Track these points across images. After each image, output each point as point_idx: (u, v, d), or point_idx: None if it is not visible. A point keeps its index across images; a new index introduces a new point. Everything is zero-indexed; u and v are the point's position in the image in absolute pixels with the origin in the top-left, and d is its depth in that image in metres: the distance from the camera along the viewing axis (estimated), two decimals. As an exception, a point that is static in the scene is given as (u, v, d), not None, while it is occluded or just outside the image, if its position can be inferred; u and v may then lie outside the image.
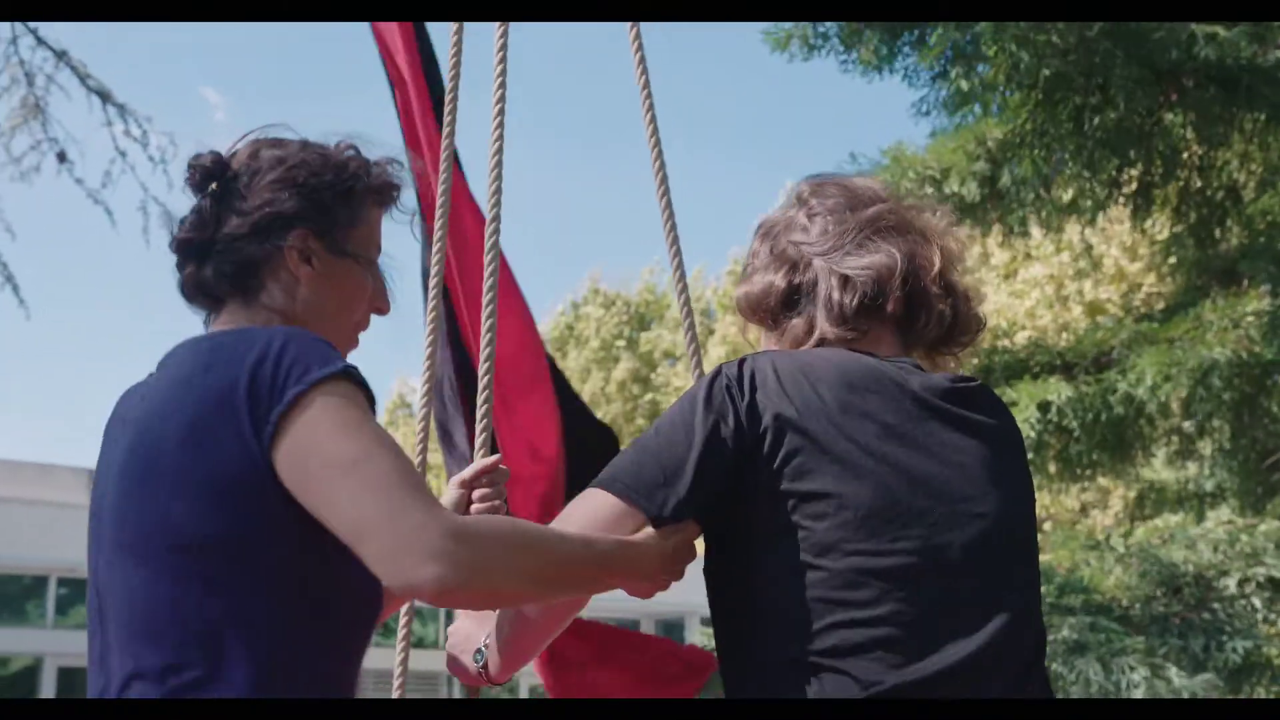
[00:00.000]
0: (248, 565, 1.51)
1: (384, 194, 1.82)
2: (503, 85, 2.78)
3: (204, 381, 1.54)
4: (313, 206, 1.73)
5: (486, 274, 2.71)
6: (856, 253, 1.85)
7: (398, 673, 2.80)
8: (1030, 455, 5.69)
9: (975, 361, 6.31)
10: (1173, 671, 5.02)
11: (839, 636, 1.61)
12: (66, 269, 40.66)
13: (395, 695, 2.75)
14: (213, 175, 1.72)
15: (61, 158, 8.58)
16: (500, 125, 2.78)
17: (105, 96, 8.61)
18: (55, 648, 19.05)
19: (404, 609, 2.79)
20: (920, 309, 1.85)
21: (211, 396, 1.52)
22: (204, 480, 1.50)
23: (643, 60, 2.99)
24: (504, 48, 2.84)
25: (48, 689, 19.16)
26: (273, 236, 1.71)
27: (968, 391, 1.80)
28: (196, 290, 1.74)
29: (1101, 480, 6.81)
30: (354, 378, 1.55)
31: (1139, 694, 4.99)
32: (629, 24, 3.03)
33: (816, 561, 1.64)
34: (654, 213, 3.00)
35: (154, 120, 8.42)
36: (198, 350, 1.60)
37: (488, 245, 2.76)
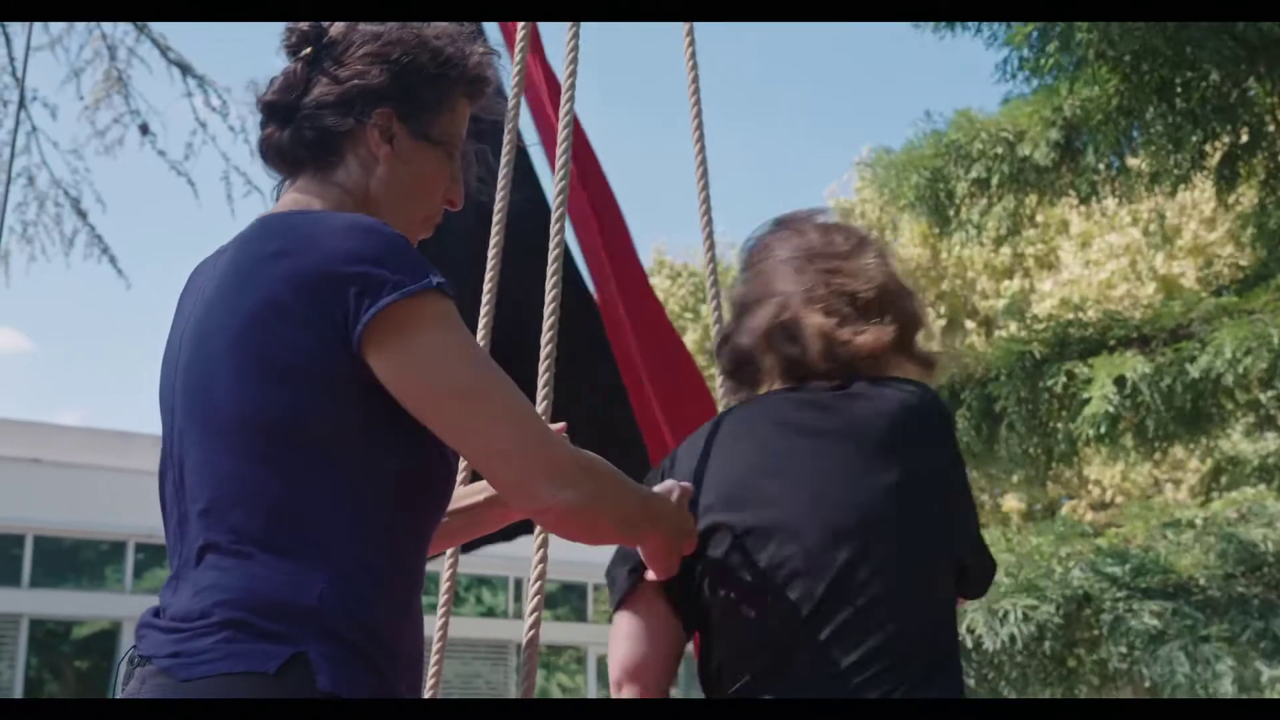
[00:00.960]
0: (317, 447, 1.53)
1: (476, 86, 1.81)
2: (572, 87, 2.79)
3: (279, 264, 1.54)
4: (401, 86, 1.72)
5: (552, 243, 2.67)
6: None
7: (437, 638, 2.77)
8: (1104, 430, 5.64)
9: (1049, 337, 6.24)
10: (1259, 663, 4.96)
11: (725, 648, 1.84)
12: (152, 240, 41.25)
13: (434, 662, 2.70)
14: (308, 41, 1.72)
15: (144, 130, 8.69)
16: (570, 114, 2.76)
17: (185, 69, 8.71)
18: (133, 611, 19.35)
19: (445, 579, 2.72)
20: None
21: (288, 280, 1.52)
22: (277, 362, 1.52)
23: (692, 44, 3.00)
24: (575, 47, 2.81)
25: (126, 648, 19.53)
26: (357, 110, 1.70)
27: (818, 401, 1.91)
28: (275, 153, 1.75)
29: (1177, 453, 6.71)
30: (449, 294, 1.56)
31: (1226, 684, 4.93)
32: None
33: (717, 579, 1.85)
34: (718, 183, 3.02)
35: (233, 91, 8.50)
36: (271, 230, 1.60)
37: (554, 217, 2.71)
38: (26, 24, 8.25)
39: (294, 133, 1.71)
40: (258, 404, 1.52)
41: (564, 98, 2.76)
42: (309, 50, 1.71)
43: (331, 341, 1.51)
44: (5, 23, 8.26)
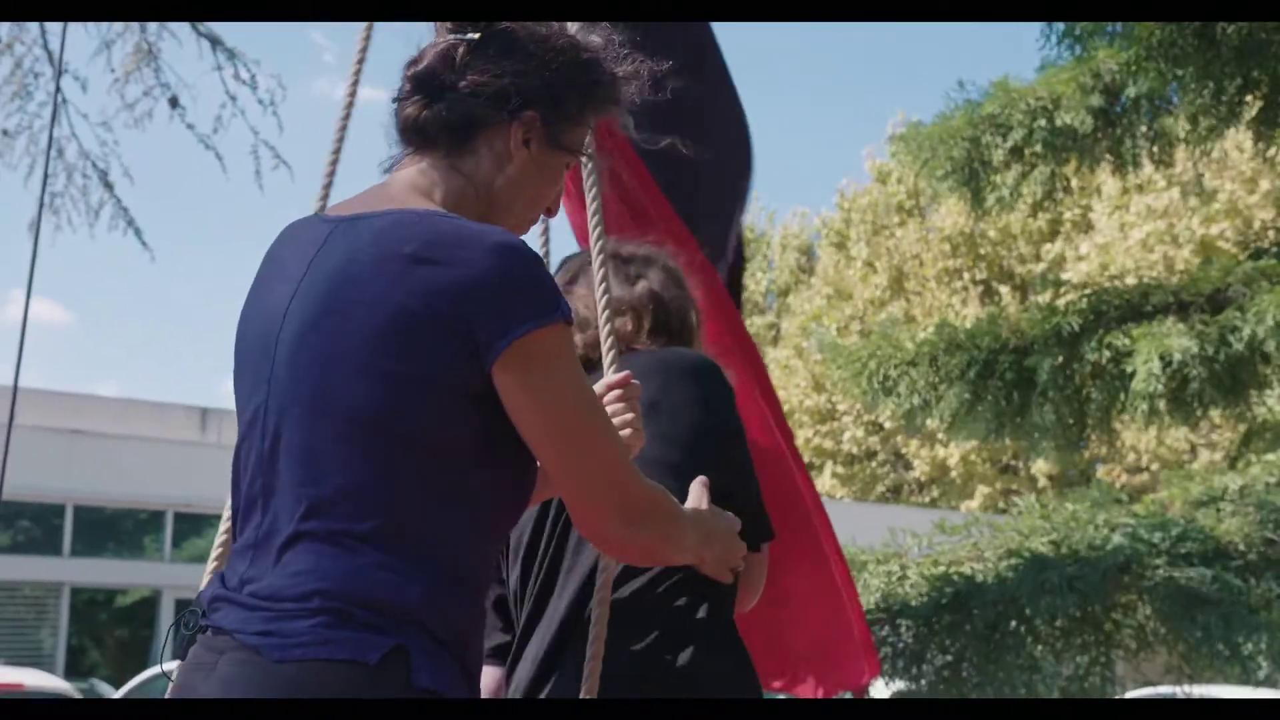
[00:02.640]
0: (435, 457, 1.56)
1: (614, 107, 1.83)
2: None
3: (421, 271, 1.54)
4: (553, 94, 1.73)
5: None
6: None
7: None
8: (1146, 403, 5.60)
9: (1085, 306, 6.19)
10: None
11: None
12: (181, 213, 41.45)
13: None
14: (477, 26, 1.72)
15: (174, 103, 8.67)
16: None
17: (215, 41, 8.70)
18: (172, 580, 19.59)
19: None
20: None
21: (431, 290, 1.53)
22: (408, 370, 1.53)
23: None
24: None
25: (165, 619, 19.78)
26: (510, 107, 1.71)
27: None
28: (411, 126, 1.73)
29: (1213, 418, 6.66)
30: (572, 322, 1.63)
31: (1262, 647, 4.92)
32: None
33: None
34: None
35: (262, 64, 8.49)
36: (414, 232, 1.58)
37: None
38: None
39: (440, 111, 1.70)
40: (381, 406, 1.54)
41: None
42: (476, 35, 1.70)
43: (465, 357, 1.54)
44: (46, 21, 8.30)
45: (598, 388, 2.04)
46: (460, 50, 1.70)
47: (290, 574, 1.52)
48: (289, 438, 1.57)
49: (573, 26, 1.80)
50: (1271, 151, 6.87)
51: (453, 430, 1.56)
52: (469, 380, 1.55)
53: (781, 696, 3.96)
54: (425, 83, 1.71)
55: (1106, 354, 5.79)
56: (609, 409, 1.97)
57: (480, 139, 1.71)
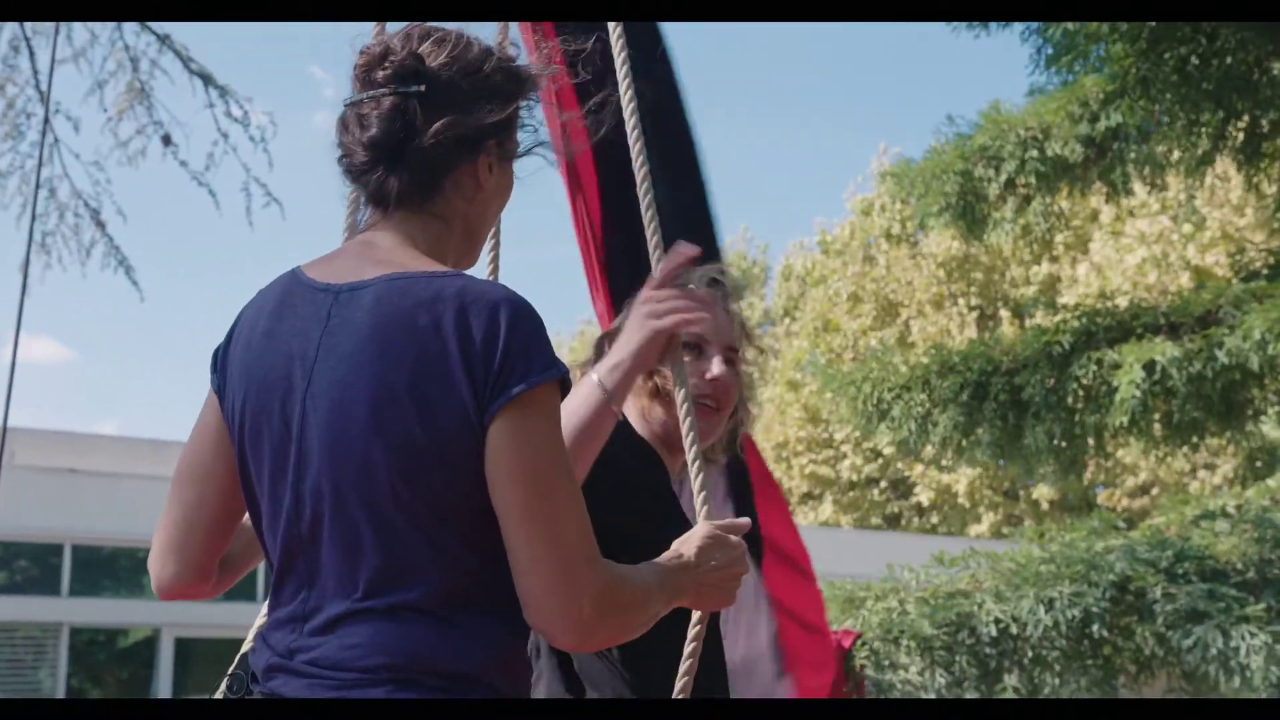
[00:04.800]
0: (466, 523, 1.58)
1: (534, 92, 1.85)
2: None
3: (428, 340, 1.56)
4: (506, 118, 1.75)
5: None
6: None
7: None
8: (1135, 417, 5.60)
9: (1076, 326, 6.20)
10: None
11: None
12: (174, 251, 41.52)
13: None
14: (418, 74, 1.69)
15: (166, 141, 8.72)
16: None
17: (207, 79, 8.75)
18: (172, 619, 19.52)
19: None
20: None
21: (441, 358, 1.55)
22: (431, 442, 1.55)
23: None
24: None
25: (165, 659, 19.72)
26: (475, 146, 1.72)
27: None
28: (380, 194, 1.72)
29: (1211, 441, 6.65)
30: (567, 386, 1.62)
31: (1259, 660, 4.90)
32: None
33: None
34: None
35: (254, 100, 8.54)
36: (417, 296, 1.59)
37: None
38: (51, 37, 8.31)
39: (408, 173, 1.70)
40: (416, 479, 1.56)
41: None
42: (421, 87, 1.68)
43: (474, 420, 1.55)
44: (30, 35, 8.34)
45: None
46: (410, 108, 1.68)
47: (350, 645, 1.55)
48: (332, 519, 1.59)
49: (476, 29, 1.79)
50: (1258, 179, 6.91)
51: (478, 490, 1.57)
52: (478, 439, 1.56)
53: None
54: (385, 148, 1.69)
55: (1094, 369, 5.80)
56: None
57: (448, 181, 1.73)
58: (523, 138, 1.83)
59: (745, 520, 1.92)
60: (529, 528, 1.55)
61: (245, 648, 1.74)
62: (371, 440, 1.56)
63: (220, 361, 1.74)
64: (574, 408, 1.99)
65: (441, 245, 1.72)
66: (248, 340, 1.70)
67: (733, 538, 1.88)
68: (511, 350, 1.55)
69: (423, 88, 1.68)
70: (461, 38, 1.75)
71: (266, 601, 1.71)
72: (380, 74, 1.69)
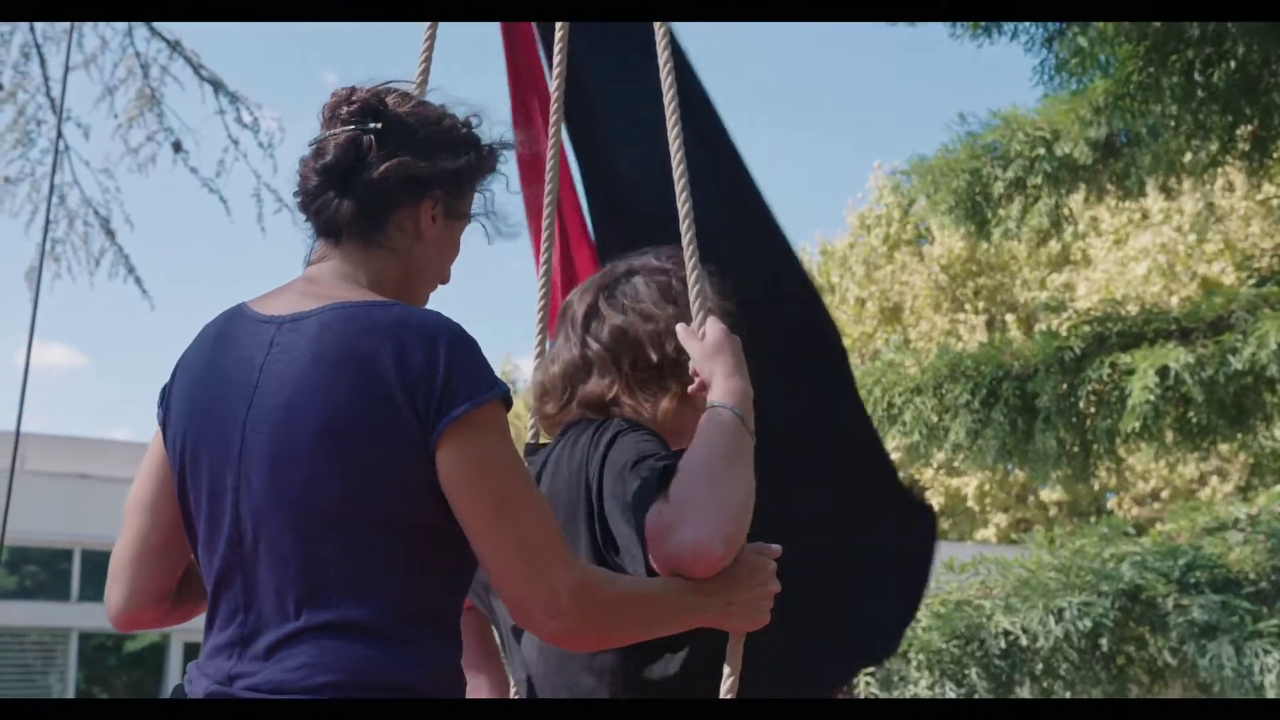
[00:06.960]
0: (414, 542, 1.62)
1: (491, 172, 1.92)
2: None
3: (365, 365, 1.60)
4: (451, 173, 1.82)
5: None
6: None
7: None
8: (1148, 423, 5.58)
9: (1088, 331, 6.18)
10: None
11: None
12: (185, 258, 41.58)
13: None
14: (378, 113, 1.79)
15: (177, 147, 8.69)
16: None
17: (218, 85, 8.73)
18: (181, 624, 19.58)
19: None
20: None
21: (378, 381, 1.59)
22: (376, 464, 1.59)
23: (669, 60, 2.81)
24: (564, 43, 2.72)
25: (175, 664, 19.76)
26: (420, 189, 1.79)
27: None
28: (326, 219, 1.79)
29: (1222, 447, 6.63)
30: (509, 404, 1.66)
31: (1272, 679, 4.88)
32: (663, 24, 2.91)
33: None
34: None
35: (264, 106, 8.52)
36: (353, 325, 1.64)
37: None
38: (61, 43, 8.32)
39: (355, 202, 1.77)
40: (353, 500, 1.60)
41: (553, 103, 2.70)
42: (379, 124, 1.78)
43: (416, 441, 1.60)
44: (41, 42, 8.35)
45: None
46: (365, 141, 1.76)
47: (292, 668, 1.58)
48: (270, 541, 1.62)
49: (441, 99, 1.90)
50: (1266, 188, 6.89)
51: (419, 509, 1.62)
52: (422, 461, 1.60)
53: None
54: (336, 175, 1.77)
55: (1107, 372, 5.78)
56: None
57: (392, 221, 1.79)
58: (475, 205, 1.90)
59: (776, 548, 1.90)
60: (495, 537, 1.60)
61: (179, 681, 1.76)
62: (316, 461, 1.60)
63: (165, 396, 1.81)
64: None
65: (384, 283, 1.78)
66: (191, 372, 1.76)
67: (764, 559, 1.86)
68: (452, 375, 1.60)
69: (379, 125, 1.78)
70: (426, 100, 1.88)
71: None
72: (344, 111, 1.79)
